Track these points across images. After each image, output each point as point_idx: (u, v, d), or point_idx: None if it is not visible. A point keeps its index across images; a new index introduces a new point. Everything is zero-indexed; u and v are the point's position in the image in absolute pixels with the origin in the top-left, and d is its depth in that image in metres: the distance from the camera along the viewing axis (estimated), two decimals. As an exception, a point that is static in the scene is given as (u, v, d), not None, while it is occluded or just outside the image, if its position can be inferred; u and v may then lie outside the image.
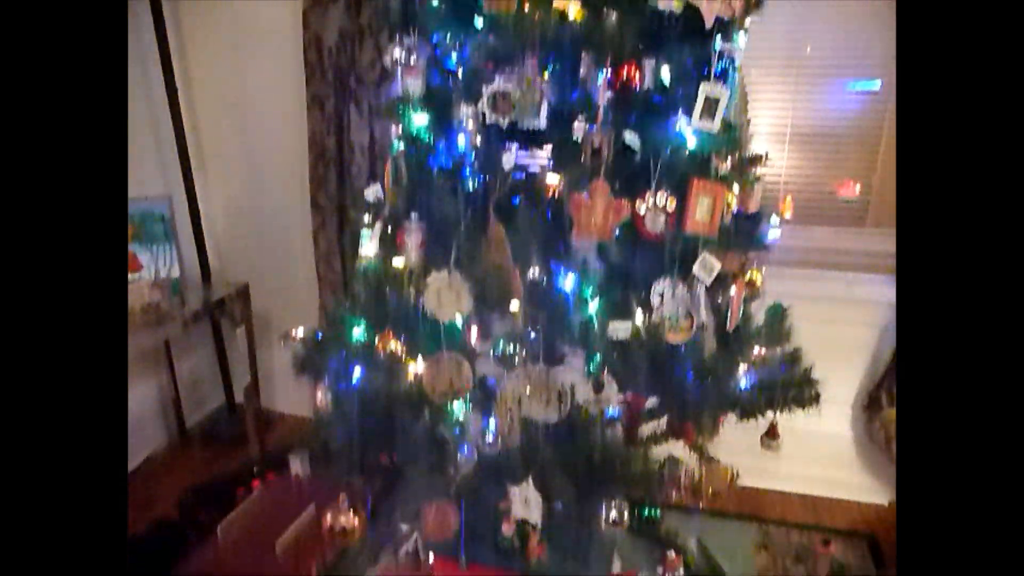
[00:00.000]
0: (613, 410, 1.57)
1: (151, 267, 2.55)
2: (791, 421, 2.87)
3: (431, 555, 2.08)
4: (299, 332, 1.79)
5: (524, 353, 1.46)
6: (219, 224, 3.34)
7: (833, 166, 2.65)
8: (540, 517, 1.49)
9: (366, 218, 1.78)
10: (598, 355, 1.46)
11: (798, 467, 3.00)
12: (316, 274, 3.17)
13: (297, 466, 2.52)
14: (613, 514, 1.56)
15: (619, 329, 1.45)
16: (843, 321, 2.73)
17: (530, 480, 1.48)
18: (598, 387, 1.49)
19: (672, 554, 2.01)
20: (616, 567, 2.13)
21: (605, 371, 1.48)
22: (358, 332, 1.71)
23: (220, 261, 3.34)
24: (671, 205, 1.45)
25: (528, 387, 1.42)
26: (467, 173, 1.46)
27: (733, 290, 1.64)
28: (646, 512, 1.59)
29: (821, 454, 2.96)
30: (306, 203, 3.06)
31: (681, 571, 2.00)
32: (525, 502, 1.49)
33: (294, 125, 2.95)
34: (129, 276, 2.52)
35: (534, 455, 1.47)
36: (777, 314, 1.91)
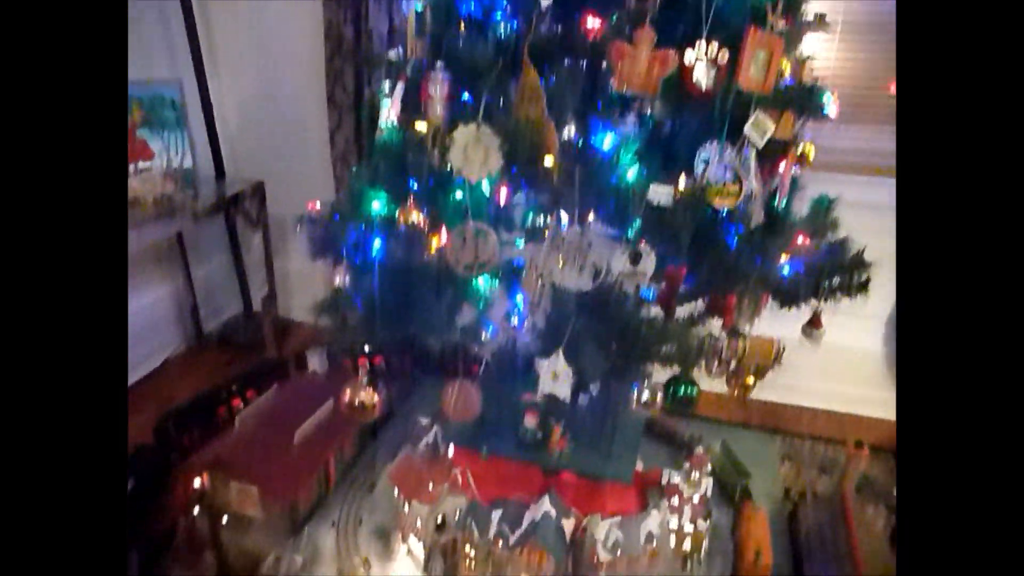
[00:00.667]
0: (649, 286, 1.48)
1: (163, 156, 2.45)
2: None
3: (451, 447, 2.04)
4: (316, 204, 1.70)
5: (556, 218, 1.36)
6: (232, 122, 3.22)
7: (885, 62, 2.47)
8: (569, 393, 1.41)
9: (386, 85, 1.65)
10: (637, 221, 1.35)
11: (825, 383, 2.93)
12: (333, 175, 3.07)
13: (315, 362, 2.49)
14: (646, 394, 1.48)
15: (660, 194, 1.34)
16: (883, 231, 2.60)
17: (560, 353, 1.40)
18: (635, 258, 1.38)
19: (700, 450, 1.96)
20: (639, 467, 2.09)
21: (643, 240, 1.38)
22: (377, 206, 1.61)
23: (234, 160, 3.22)
24: (723, 57, 1.31)
25: (560, 253, 1.32)
26: (499, 17, 1.33)
27: (783, 166, 1.52)
28: (682, 390, 1.50)
29: (849, 370, 2.89)
30: (322, 100, 2.93)
31: (708, 467, 1.94)
32: (554, 376, 1.41)
33: (309, 12, 2.79)
34: (140, 164, 2.42)
35: (564, 327, 1.38)
36: (823, 205, 1.79)
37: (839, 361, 2.84)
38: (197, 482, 2.14)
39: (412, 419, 2.15)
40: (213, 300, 3.52)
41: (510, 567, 1.87)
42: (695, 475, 1.92)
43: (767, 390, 3.01)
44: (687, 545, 1.95)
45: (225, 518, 2.16)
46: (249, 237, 3.45)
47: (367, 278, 1.54)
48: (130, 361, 3.07)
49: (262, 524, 2.15)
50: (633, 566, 1.78)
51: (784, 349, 1.44)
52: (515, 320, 1.64)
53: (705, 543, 1.96)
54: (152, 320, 3.21)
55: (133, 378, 3.08)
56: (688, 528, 1.92)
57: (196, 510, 2.15)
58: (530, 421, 1.98)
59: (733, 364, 1.47)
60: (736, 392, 1.61)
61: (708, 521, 1.93)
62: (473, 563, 1.88)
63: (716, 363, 1.44)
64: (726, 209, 1.34)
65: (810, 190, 1.74)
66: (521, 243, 1.58)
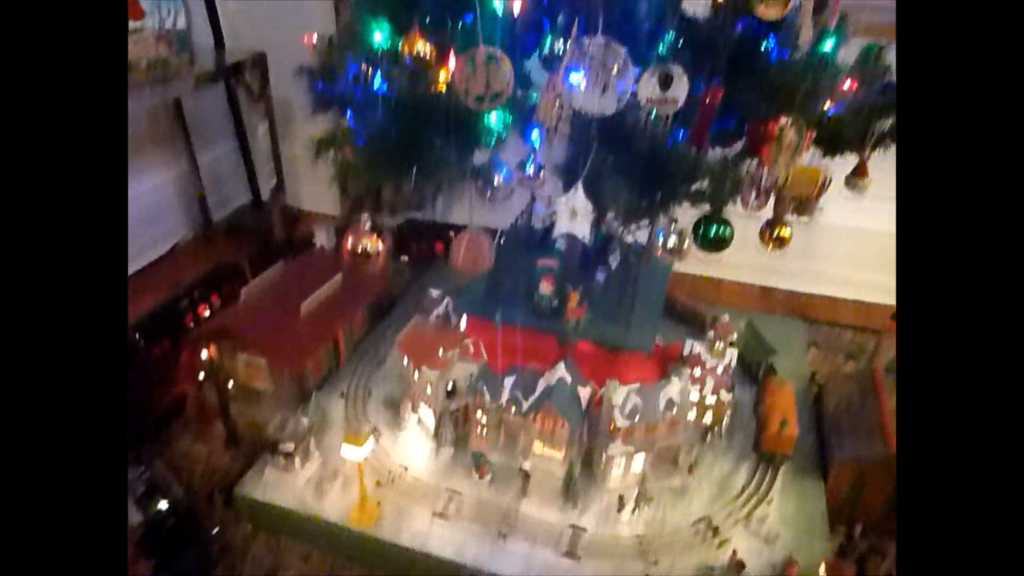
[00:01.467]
0: (679, 124, 1.33)
1: (154, 15, 2.28)
2: (849, 220, 2.64)
3: (463, 318, 1.95)
4: (313, 38, 1.54)
5: (578, 27, 1.20)
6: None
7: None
8: (588, 232, 1.29)
9: None
10: (668, 36, 1.19)
11: (855, 270, 2.80)
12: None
13: (322, 237, 2.39)
14: (673, 240, 1.35)
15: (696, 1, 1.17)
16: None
17: (579, 187, 1.27)
18: (665, 81, 1.23)
19: (725, 318, 1.85)
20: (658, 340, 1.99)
21: (674, 61, 1.22)
22: (380, 37, 1.45)
23: (234, 32, 3.03)
24: None
25: (580, 72, 1.17)
26: None
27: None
28: (714, 231, 1.38)
29: (880, 257, 2.73)
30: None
31: (733, 336, 1.84)
32: (572, 214, 1.29)
33: None
34: (130, 24, 2.26)
35: (584, 158, 1.24)
36: (872, 50, 1.60)
37: (868, 248, 2.70)
38: (204, 354, 2.10)
39: (423, 293, 2.06)
40: (221, 189, 3.42)
41: (523, 434, 1.81)
42: (719, 345, 1.82)
43: (795, 279, 2.91)
44: (708, 418, 1.88)
45: (233, 389, 2.13)
46: (254, 122, 3.31)
47: (370, 114, 1.40)
48: (137, 245, 3.00)
49: (271, 396, 2.11)
50: (651, 434, 1.71)
51: (830, 180, 1.30)
52: (530, 169, 1.51)
53: (727, 417, 1.88)
54: (158, 205, 3.12)
55: (141, 263, 3.02)
56: (710, 400, 1.84)
57: (204, 382, 2.11)
58: (545, 287, 1.87)
59: (772, 196, 1.33)
60: (770, 246, 1.48)
61: (731, 394, 1.84)
62: (485, 430, 1.82)
63: (753, 195, 1.30)
64: (771, 20, 1.17)
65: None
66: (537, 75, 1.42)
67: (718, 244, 1.39)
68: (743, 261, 2.93)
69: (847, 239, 2.73)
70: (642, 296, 1.87)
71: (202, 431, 2.09)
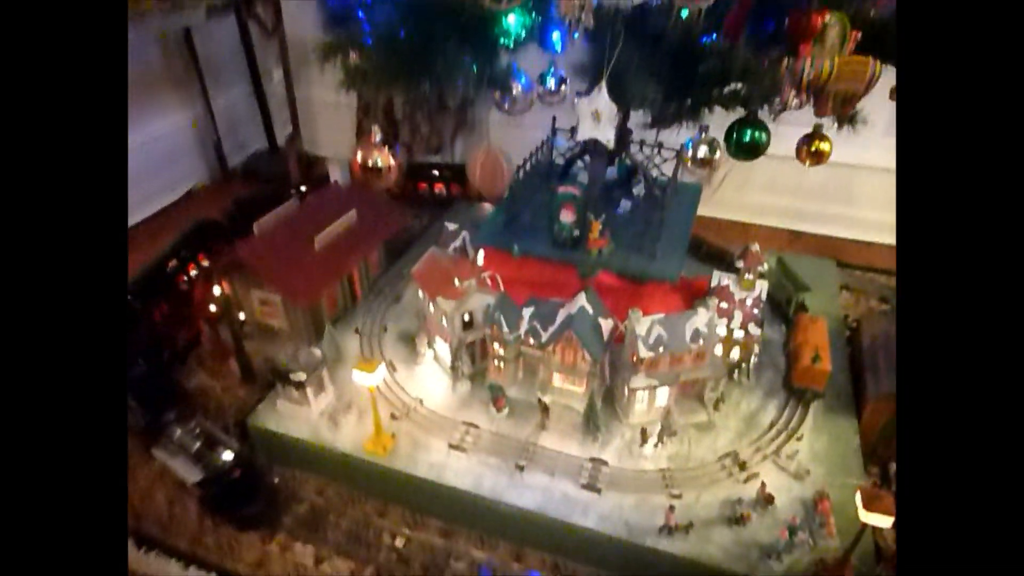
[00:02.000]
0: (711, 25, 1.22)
1: (162, -60, 2.20)
2: (883, 161, 2.51)
3: (480, 252, 1.88)
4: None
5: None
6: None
7: None
8: (613, 137, 1.20)
9: None
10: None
11: (887, 214, 2.67)
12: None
13: (336, 173, 2.32)
14: (703, 150, 1.26)
15: None
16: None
17: (602, 87, 1.18)
18: (698, -31, 1.12)
19: (755, 247, 1.76)
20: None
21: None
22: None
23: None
24: None
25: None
26: None
27: None
28: (748, 135, 1.28)
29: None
30: None
31: (764, 266, 1.75)
32: (595, 117, 1.20)
33: None
34: (138, -50, 2.18)
35: (609, 54, 1.15)
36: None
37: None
38: (217, 290, 2.06)
39: (440, 228, 1.98)
40: (236, 134, 3.37)
41: (542, 367, 1.74)
42: (749, 276, 1.73)
43: (826, 223, 2.79)
44: (736, 354, 1.80)
45: (248, 327, 2.09)
46: (269, 64, 3.24)
47: (380, 15, 1.32)
48: (153, 189, 2.97)
49: (285, 335, 2.07)
50: (676, 366, 1.64)
51: (880, 73, 1.18)
52: (551, 82, 1.42)
53: (755, 353, 1.80)
54: (174, 148, 3.08)
55: (157, 206, 2.99)
56: (738, 335, 1.76)
57: (219, 319, 2.08)
58: (567, 216, 1.79)
59: (814, 94, 1.22)
60: (808, 161, 1.38)
61: (760, 328, 1.76)
62: (502, 363, 1.76)
63: (793, 93, 1.20)
64: None
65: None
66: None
67: (753, 150, 1.29)
68: (773, 204, 2.82)
69: (881, 181, 2.60)
70: (668, 225, 1.79)
71: (216, 368, 2.06)
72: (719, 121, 1.35)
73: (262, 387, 1.92)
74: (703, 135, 1.26)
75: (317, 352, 1.74)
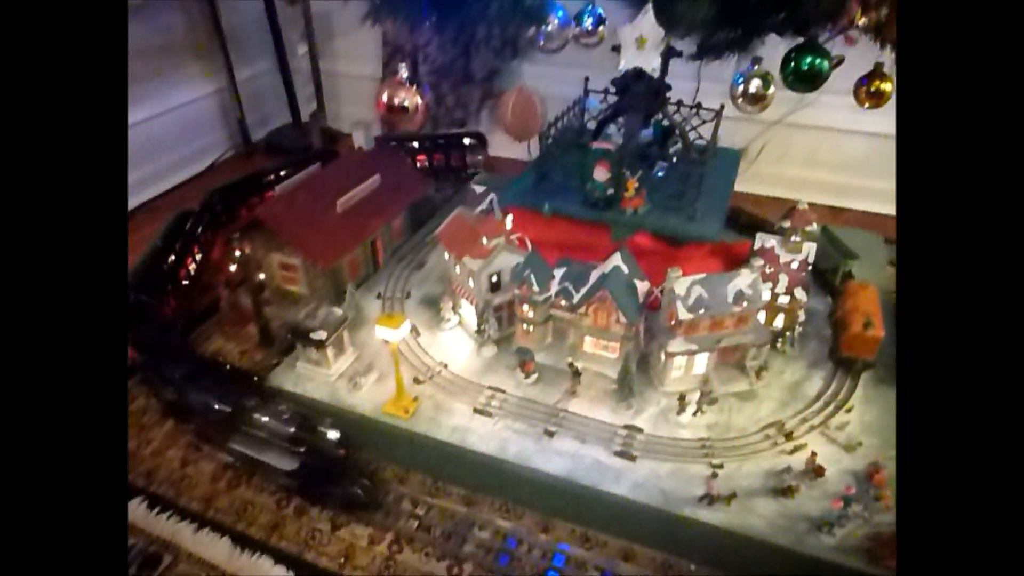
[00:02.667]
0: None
1: None
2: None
3: (509, 214, 1.79)
4: None
5: None
6: None
7: None
8: (658, 64, 1.11)
9: None
10: None
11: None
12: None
13: (360, 138, 2.26)
14: (755, 84, 1.16)
15: None
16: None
17: (648, 9, 1.08)
18: None
19: (803, 204, 1.65)
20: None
21: None
22: None
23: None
24: None
25: None
26: None
27: None
28: (807, 62, 1.17)
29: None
30: None
31: (812, 227, 1.64)
32: (640, 44, 1.11)
33: None
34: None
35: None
36: None
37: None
38: (237, 253, 2.00)
39: (466, 191, 1.90)
40: (260, 108, 3.32)
41: (573, 330, 1.65)
42: (796, 237, 1.62)
43: (872, 199, 2.66)
44: (780, 321, 1.69)
45: (268, 293, 2.03)
46: (293, 38, 3.19)
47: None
48: (175, 159, 2.94)
49: (306, 300, 2.00)
50: (716, 330, 1.54)
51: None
52: (588, 22, 1.33)
53: (800, 323, 1.69)
54: (198, 120, 3.05)
55: (181, 177, 2.96)
56: (783, 300, 1.65)
57: (238, 282, 2.02)
58: (600, 174, 1.70)
59: (883, 14, 1.11)
60: (866, 103, 1.27)
61: (807, 293, 1.65)
62: (531, 327, 1.68)
63: (859, 12, 1.09)
64: None
65: None
66: None
67: (812, 79, 1.19)
68: (813, 178, 2.70)
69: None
70: (707, 187, 1.68)
71: (234, 333, 2.01)
72: (769, 54, 1.25)
73: (280, 352, 1.85)
74: (755, 67, 1.16)
75: (338, 311, 1.66)
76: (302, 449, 1.49)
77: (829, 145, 2.65)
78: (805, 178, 2.69)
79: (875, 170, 2.59)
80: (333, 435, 1.51)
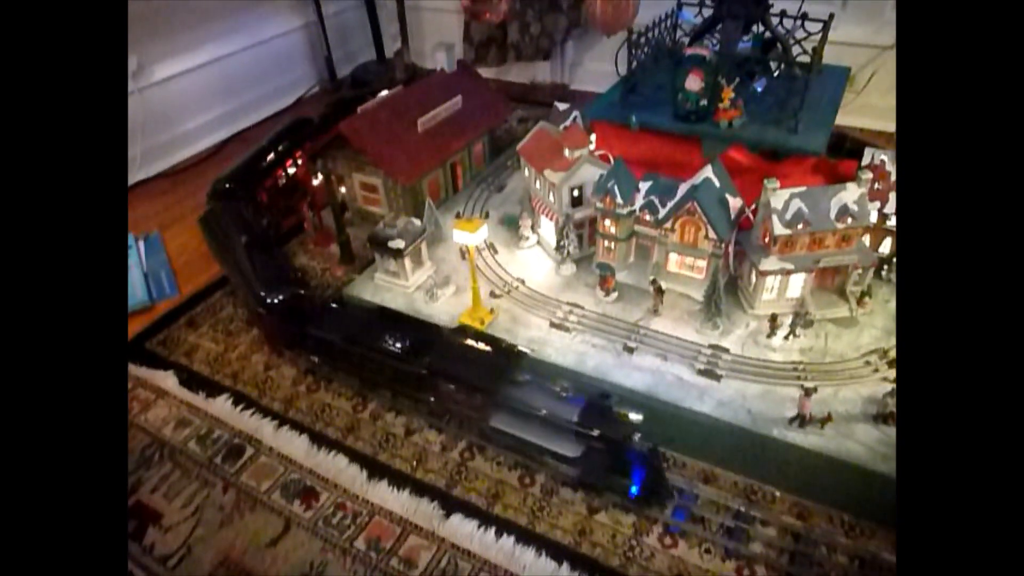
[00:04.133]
0: None
1: None
2: None
3: (595, 128, 1.71)
4: None
5: None
6: None
7: None
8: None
9: None
10: None
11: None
12: None
13: (442, 59, 2.21)
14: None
15: None
16: None
17: None
18: None
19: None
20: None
21: None
22: None
23: None
24: None
25: None
26: None
27: None
28: None
29: None
30: None
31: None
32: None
33: None
34: None
35: None
36: None
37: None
38: (319, 176, 2.02)
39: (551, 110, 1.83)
40: (346, 45, 3.34)
41: (657, 249, 1.57)
42: (912, 150, 1.46)
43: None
44: (887, 246, 1.55)
45: (349, 214, 2.04)
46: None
47: None
48: (266, 92, 3.00)
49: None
50: (816, 249, 1.42)
51: None
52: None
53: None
54: (287, 54, 3.09)
55: (268, 111, 3.02)
56: (892, 223, 1.51)
57: (322, 205, 2.05)
58: (693, 83, 1.59)
59: None
60: None
61: (920, 216, 1.49)
62: (613, 244, 1.60)
63: None
64: None
65: None
66: None
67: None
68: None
69: None
70: (811, 102, 1.54)
71: (317, 252, 2.03)
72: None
73: (360, 268, 1.86)
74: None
75: (417, 222, 1.65)
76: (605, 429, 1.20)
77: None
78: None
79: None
80: (636, 416, 1.19)
